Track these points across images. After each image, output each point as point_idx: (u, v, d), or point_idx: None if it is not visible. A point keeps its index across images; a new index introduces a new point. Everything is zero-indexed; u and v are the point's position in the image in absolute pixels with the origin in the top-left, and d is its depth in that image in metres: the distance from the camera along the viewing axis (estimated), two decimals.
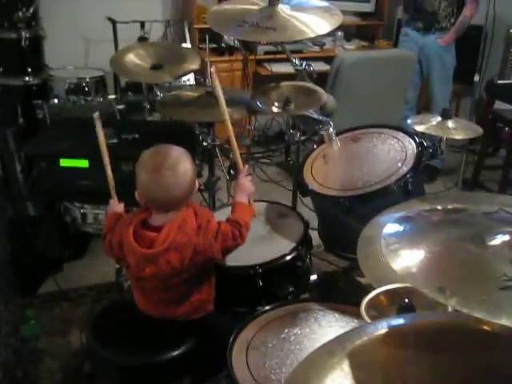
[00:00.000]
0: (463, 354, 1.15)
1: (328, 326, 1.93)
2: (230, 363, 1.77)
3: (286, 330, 1.91)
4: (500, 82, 4.10)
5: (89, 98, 4.02)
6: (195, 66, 2.85)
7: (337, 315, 1.98)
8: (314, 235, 2.57)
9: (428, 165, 4.42)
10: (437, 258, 1.22)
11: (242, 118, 2.71)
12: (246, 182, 2.19)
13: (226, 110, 2.27)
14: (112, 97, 4.14)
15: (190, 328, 2.10)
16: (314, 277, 2.47)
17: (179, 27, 4.97)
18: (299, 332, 1.90)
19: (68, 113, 3.81)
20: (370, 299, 1.60)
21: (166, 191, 1.89)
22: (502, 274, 1.11)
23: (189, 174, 1.93)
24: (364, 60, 4.29)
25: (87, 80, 4.10)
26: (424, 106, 5.24)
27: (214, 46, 4.87)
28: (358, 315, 1.77)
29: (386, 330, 1.23)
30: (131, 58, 2.82)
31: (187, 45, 4.71)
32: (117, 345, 2.07)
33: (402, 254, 1.25)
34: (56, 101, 3.89)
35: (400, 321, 1.28)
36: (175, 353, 2.02)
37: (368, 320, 1.53)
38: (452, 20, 4.49)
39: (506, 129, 4.57)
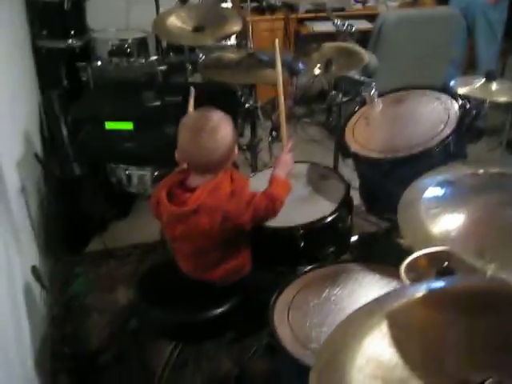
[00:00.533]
0: (499, 319, 1.17)
1: (368, 287, 1.95)
2: (271, 321, 1.82)
3: (327, 290, 1.94)
4: None
5: (131, 60, 4.04)
6: (237, 27, 2.85)
7: (377, 276, 2.00)
8: (356, 195, 2.59)
9: (472, 125, 4.35)
10: (476, 224, 1.23)
11: (284, 79, 2.70)
12: (288, 159, 2.20)
13: (281, 86, 2.28)
14: (154, 58, 4.15)
15: (232, 287, 2.15)
16: (354, 237, 2.49)
17: None
18: (340, 292, 1.93)
19: (111, 75, 3.85)
20: (410, 262, 1.61)
21: (203, 154, 1.92)
22: None
23: (228, 140, 1.94)
24: (407, 19, 4.22)
25: (129, 41, 4.12)
26: (470, 65, 5.13)
27: (256, 4, 4.82)
28: (398, 276, 1.78)
29: (425, 292, 1.26)
30: (173, 20, 2.84)
31: (228, 4, 4.69)
32: (162, 303, 2.14)
33: (441, 219, 1.27)
34: (99, 63, 3.94)
35: (438, 284, 1.30)
36: (219, 310, 2.08)
37: (407, 282, 1.55)
38: None
39: None
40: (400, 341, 1.13)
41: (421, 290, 1.27)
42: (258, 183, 2.53)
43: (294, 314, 1.85)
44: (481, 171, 1.54)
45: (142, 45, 4.23)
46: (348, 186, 2.40)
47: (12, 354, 2.02)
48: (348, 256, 2.47)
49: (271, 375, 2.38)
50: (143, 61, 4.08)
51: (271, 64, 2.64)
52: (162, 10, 4.43)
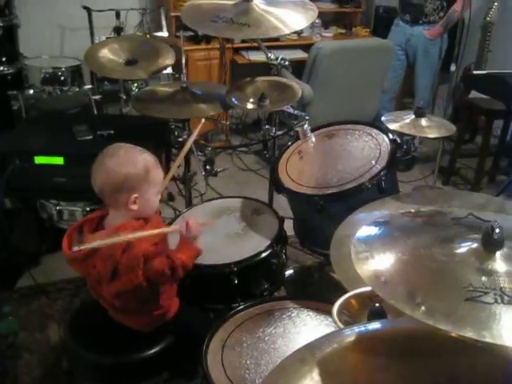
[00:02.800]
0: (430, 361, 1.17)
1: (302, 325, 1.95)
2: (205, 364, 1.78)
3: (261, 330, 1.92)
4: (476, 72, 4.12)
5: (65, 88, 3.99)
6: (170, 61, 2.84)
7: (311, 313, 2.00)
8: (291, 225, 2.60)
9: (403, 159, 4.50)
10: (405, 268, 1.23)
11: (218, 114, 2.69)
12: (194, 225, 2.00)
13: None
14: (88, 87, 4.10)
15: (165, 326, 2.10)
16: (289, 271, 2.48)
17: (155, 15, 4.93)
18: (274, 331, 1.91)
19: (44, 104, 3.78)
20: (342, 303, 1.62)
21: (104, 176, 1.85)
22: (468, 284, 1.12)
23: (133, 170, 1.86)
24: (341, 49, 4.30)
25: (63, 69, 4.07)
26: (408, 95, 5.31)
27: (191, 34, 4.82)
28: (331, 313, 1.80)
29: (355, 336, 1.26)
30: (105, 53, 2.81)
31: (164, 33, 4.69)
32: (93, 343, 2.07)
33: (370, 263, 1.26)
34: (31, 91, 3.87)
35: (369, 327, 1.30)
36: (151, 351, 2.03)
37: (340, 325, 1.55)
38: (441, 14, 4.55)
39: (483, 117, 4.61)
40: None
41: (351, 335, 1.27)
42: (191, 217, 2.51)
43: (227, 354, 1.82)
44: (412, 210, 1.56)
45: (75, 73, 4.18)
46: (282, 221, 2.40)
47: None
48: (283, 290, 2.47)
49: None
50: (77, 89, 4.03)
51: (205, 99, 2.64)
52: (96, 37, 4.41)
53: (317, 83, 4.24)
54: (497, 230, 1.19)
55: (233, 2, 2.58)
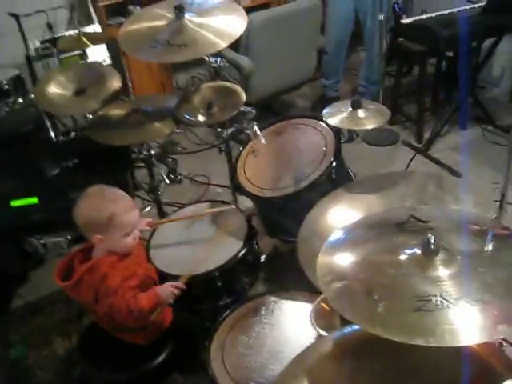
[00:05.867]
0: (394, 356, 1.41)
1: (286, 317, 2.18)
2: (210, 369, 1.98)
3: (252, 328, 2.14)
4: (404, 21, 4.20)
5: (9, 100, 3.92)
6: (117, 83, 2.88)
7: (291, 303, 2.23)
8: None
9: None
10: (363, 286, 1.42)
11: (172, 131, 2.77)
12: (167, 290, 2.16)
13: None
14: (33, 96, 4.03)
15: (163, 335, 2.27)
16: (262, 257, 2.66)
17: (84, 8, 4.92)
18: (264, 328, 2.13)
19: None
20: (315, 308, 1.85)
21: (79, 213, 2.03)
22: (414, 296, 1.30)
23: (82, 212, 2.03)
24: (272, 18, 4.35)
25: (4, 82, 3.98)
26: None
27: (123, 20, 4.82)
28: (308, 298, 2.08)
29: (331, 344, 1.50)
30: (54, 89, 2.82)
31: (95, 26, 4.71)
32: (101, 362, 2.23)
33: (335, 285, 1.46)
34: None
35: (341, 334, 1.54)
36: (154, 362, 2.19)
37: (320, 331, 1.77)
38: None
39: None
40: None
41: (325, 343, 1.51)
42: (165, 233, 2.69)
43: (227, 358, 2.02)
44: (362, 221, 1.72)
45: (17, 81, 4.09)
46: (249, 218, 2.61)
47: None
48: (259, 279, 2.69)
49: None
50: (21, 101, 3.96)
51: (157, 116, 2.75)
52: (30, 42, 4.38)
53: (254, 54, 4.34)
54: (432, 241, 1.41)
55: (165, 22, 2.53)
